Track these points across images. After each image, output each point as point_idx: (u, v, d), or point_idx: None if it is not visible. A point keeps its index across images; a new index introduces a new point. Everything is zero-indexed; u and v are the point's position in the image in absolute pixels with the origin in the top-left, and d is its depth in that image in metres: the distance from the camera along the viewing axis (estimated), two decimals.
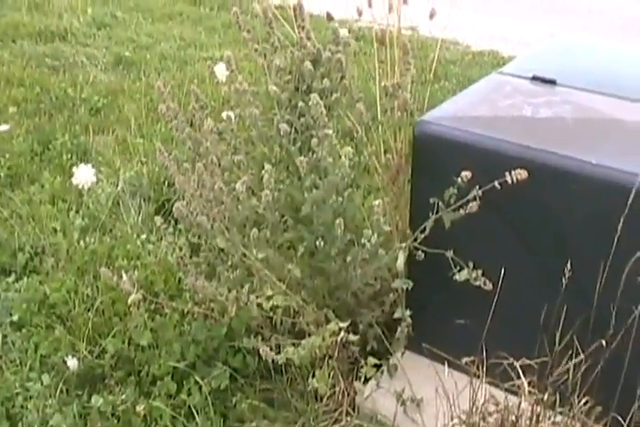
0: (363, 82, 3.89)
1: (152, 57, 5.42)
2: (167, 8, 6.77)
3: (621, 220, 1.72)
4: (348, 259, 2.20)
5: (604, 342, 1.74)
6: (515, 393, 1.81)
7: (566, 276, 1.80)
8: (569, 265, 1.80)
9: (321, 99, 2.08)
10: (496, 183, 1.90)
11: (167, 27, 6.26)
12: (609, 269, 1.79)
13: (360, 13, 2.45)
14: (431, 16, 2.44)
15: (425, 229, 2.09)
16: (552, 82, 2.28)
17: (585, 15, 6.76)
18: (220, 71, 2.35)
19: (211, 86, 4.40)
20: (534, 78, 2.31)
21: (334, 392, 2.29)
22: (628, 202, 1.72)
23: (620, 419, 1.76)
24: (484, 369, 1.85)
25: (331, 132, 2.09)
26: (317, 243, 2.14)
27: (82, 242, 3.03)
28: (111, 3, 6.71)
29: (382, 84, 2.30)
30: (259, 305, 2.17)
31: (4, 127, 4.03)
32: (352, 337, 2.13)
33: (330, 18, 2.33)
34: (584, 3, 7.06)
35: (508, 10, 6.96)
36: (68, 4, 6.50)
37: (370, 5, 2.44)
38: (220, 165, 2.22)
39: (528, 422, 1.77)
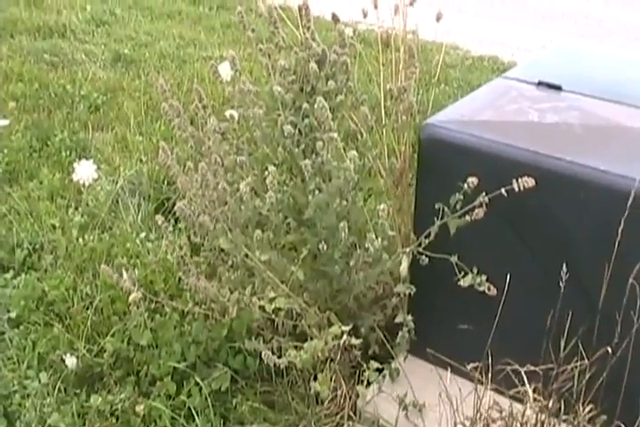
0: (364, 84, 3.88)
1: (151, 55, 5.41)
2: (166, 7, 6.73)
3: (622, 226, 1.72)
4: (352, 262, 2.19)
5: (609, 350, 1.73)
6: (519, 400, 1.80)
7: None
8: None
9: (325, 100, 2.06)
10: (503, 190, 1.90)
11: (166, 25, 6.24)
12: (614, 276, 1.78)
13: (365, 15, 2.45)
14: (438, 19, 2.45)
15: (429, 234, 2.09)
16: (558, 88, 2.27)
17: (583, 22, 6.78)
18: (225, 70, 2.34)
19: (210, 85, 4.38)
20: (540, 84, 2.30)
21: (336, 396, 2.27)
22: (627, 205, 1.72)
23: None
24: (489, 375, 1.84)
25: (336, 135, 2.07)
26: (320, 246, 2.13)
27: (81, 239, 3.02)
28: (110, 0, 6.68)
29: (387, 86, 2.29)
30: (260, 307, 2.16)
31: (3, 122, 4.01)
32: (354, 341, 2.12)
33: (335, 19, 2.32)
34: (583, 10, 7.07)
35: (508, 15, 6.97)
36: (66, 0, 6.48)
37: (375, 6, 2.44)
38: (222, 164, 2.21)
39: None
